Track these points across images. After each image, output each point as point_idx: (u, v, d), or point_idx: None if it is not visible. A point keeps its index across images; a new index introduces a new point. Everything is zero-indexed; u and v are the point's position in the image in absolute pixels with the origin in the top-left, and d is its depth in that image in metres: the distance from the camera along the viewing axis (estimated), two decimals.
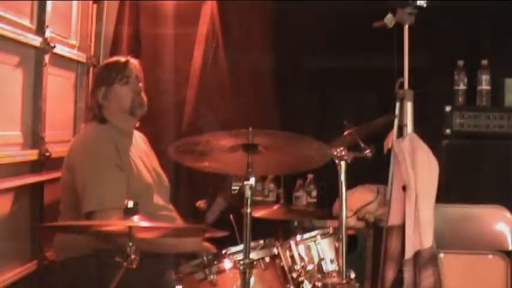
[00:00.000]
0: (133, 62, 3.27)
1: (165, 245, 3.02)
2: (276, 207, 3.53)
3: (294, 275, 2.71)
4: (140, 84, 3.25)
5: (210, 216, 3.35)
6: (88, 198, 2.94)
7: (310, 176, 4.22)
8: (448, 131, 3.83)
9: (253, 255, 2.51)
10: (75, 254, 3.05)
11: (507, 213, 3.58)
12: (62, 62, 3.71)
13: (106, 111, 3.19)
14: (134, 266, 2.24)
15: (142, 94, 3.25)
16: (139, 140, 3.33)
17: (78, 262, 3.04)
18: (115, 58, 3.32)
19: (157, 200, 3.21)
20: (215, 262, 2.62)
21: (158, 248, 2.99)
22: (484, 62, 3.93)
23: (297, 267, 2.73)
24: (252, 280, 2.42)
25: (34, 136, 3.33)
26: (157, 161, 3.39)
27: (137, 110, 3.22)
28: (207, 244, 3.25)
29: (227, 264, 2.63)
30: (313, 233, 2.89)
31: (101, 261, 2.96)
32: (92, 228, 2.58)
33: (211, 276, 2.59)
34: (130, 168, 3.10)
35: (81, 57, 3.99)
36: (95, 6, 4.17)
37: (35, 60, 3.32)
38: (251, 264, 2.38)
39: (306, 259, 2.79)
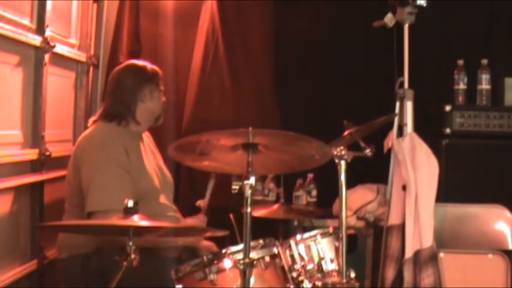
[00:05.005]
0: None
1: (165, 240, 3.05)
2: (276, 206, 3.53)
3: (294, 274, 2.71)
4: (164, 98, 3.31)
5: (207, 198, 3.38)
6: (91, 198, 2.94)
7: (310, 176, 4.22)
8: (448, 130, 3.82)
9: (253, 255, 2.51)
10: (77, 252, 3.05)
11: (507, 213, 3.58)
12: (62, 61, 3.71)
13: (141, 109, 3.18)
14: (134, 265, 2.24)
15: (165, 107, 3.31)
16: (146, 139, 3.33)
17: (80, 260, 3.04)
18: (150, 64, 3.29)
19: (163, 200, 3.22)
20: (215, 261, 2.62)
21: (159, 243, 3.01)
22: (484, 61, 3.93)
23: (297, 266, 2.73)
24: (252, 279, 2.42)
25: (34, 135, 3.34)
26: (162, 159, 3.39)
27: (160, 119, 3.29)
28: (208, 243, 3.26)
29: (227, 263, 2.63)
30: (313, 233, 2.89)
31: (103, 259, 2.97)
32: (92, 227, 2.59)
33: (211, 276, 2.59)
34: (139, 169, 3.10)
35: (81, 56, 3.99)
36: (95, 6, 4.17)
37: (35, 60, 3.32)
38: (251, 264, 2.38)
39: (306, 258, 2.79)
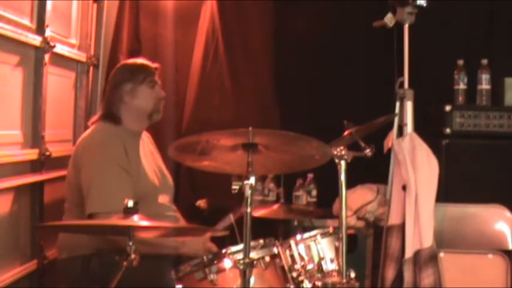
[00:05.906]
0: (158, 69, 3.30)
1: (166, 247, 3.04)
2: (276, 206, 3.52)
3: (294, 274, 2.71)
4: (163, 93, 3.28)
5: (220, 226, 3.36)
6: (92, 199, 2.94)
7: (310, 176, 4.22)
8: (448, 130, 3.83)
9: (253, 255, 2.51)
10: (77, 253, 3.05)
11: (507, 213, 3.58)
12: (62, 61, 3.71)
13: (125, 109, 3.18)
14: (134, 265, 2.24)
15: (162, 102, 3.28)
16: (145, 139, 3.33)
17: (80, 261, 3.04)
18: (141, 60, 3.30)
19: (163, 200, 3.22)
20: (215, 261, 2.62)
21: (160, 250, 3.00)
22: (484, 61, 3.93)
23: (297, 266, 2.73)
24: (252, 279, 2.42)
25: (34, 135, 3.33)
26: (162, 159, 3.39)
27: (155, 115, 3.25)
28: (210, 244, 3.25)
29: (227, 263, 2.62)
30: (313, 233, 2.89)
31: (103, 261, 2.97)
32: (92, 228, 2.59)
33: (211, 276, 2.59)
34: (138, 170, 3.10)
35: (81, 56, 3.99)
36: (95, 6, 4.17)
37: (35, 60, 3.32)
38: (251, 264, 2.38)
39: (306, 258, 2.78)
